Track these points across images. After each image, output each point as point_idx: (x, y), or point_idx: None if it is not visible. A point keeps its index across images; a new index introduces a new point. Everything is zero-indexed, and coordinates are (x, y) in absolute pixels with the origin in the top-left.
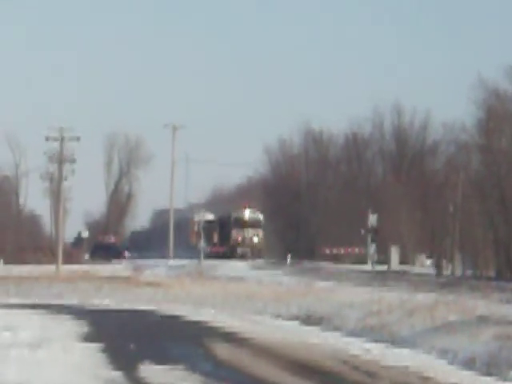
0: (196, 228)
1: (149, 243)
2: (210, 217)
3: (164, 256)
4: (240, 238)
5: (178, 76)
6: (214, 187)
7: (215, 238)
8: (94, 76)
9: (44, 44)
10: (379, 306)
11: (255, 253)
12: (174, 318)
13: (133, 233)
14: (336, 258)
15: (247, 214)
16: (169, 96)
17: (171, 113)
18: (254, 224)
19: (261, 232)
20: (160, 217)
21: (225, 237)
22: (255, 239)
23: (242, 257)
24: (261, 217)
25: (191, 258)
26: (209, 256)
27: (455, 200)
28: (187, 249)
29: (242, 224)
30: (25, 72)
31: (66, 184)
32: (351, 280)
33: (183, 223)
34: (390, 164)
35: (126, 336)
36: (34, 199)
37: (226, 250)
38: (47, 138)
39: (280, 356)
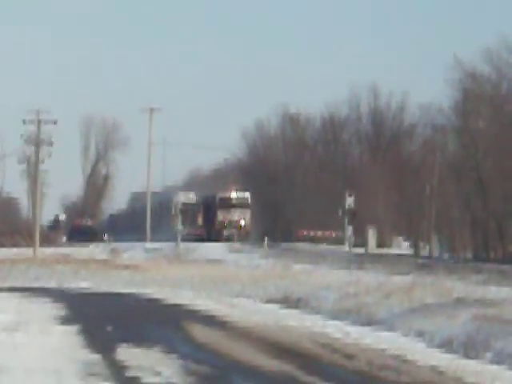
0: (177, 210)
1: (127, 226)
2: (193, 198)
3: (142, 239)
4: (226, 220)
5: (155, 58)
6: (191, 170)
7: (199, 220)
8: (70, 58)
9: (20, 22)
10: (356, 288)
11: (242, 235)
12: (152, 301)
13: (111, 215)
14: (313, 241)
15: (234, 193)
16: (146, 79)
17: (148, 96)
18: (241, 205)
19: (248, 213)
20: (137, 199)
21: (209, 219)
22: (242, 221)
23: (229, 239)
24: (248, 197)
25: (170, 240)
26: (191, 239)
27: (432, 182)
28: (166, 231)
29: (229, 205)
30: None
31: (43, 167)
32: (328, 262)
33: (162, 205)
34: (367, 146)
35: (103, 319)
36: (11, 182)
37: (211, 232)
38: (24, 121)
39: (258, 338)
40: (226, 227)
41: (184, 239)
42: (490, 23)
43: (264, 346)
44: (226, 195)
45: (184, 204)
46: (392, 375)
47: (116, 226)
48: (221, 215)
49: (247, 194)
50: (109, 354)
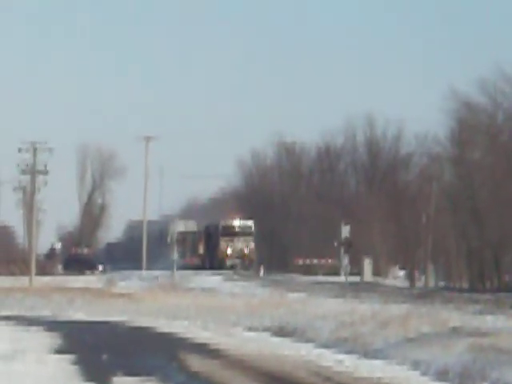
0: (173, 238)
1: (124, 255)
2: (193, 226)
3: (138, 267)
4: (229, 249)
5: (151, 88)
6: (187, 199)
7: (200, 249)
8: (67, 88)
9: (14, 55)
10: (352, 317)
11: (246, 264)
12: (147, 330)
13: (108, 244)
14: (309, 270)
15: (237, 221)
16: (142, 108)
17: (144, 125)
18: (244, 233)
19: (252, 241)
20: (134, 228)
21: (211, 247)
22: (246, 250)
23: (232, 269)
24: (252, 225)
25: (167, 269)
26: (192, 268)
27: (428, 211)
28: (163, 260)
29: (232, 233)
30: None
31: (38, 196)
32: (324, 292)
33: (158, 234)
34: (363, 176)
35: (98, 348)
36: (7, 211)
37: (214, 261)
38: (20, 150)
39: (253, 368)
40: (228, 256)
41: (184, 268)
42: (485, 53)
43: (258, 375)
44: (229, 223)
45: (184, 233)
46: None
47: (112, 255)
48: (224, 244)
49: (251, 222)
50: (104, 383)
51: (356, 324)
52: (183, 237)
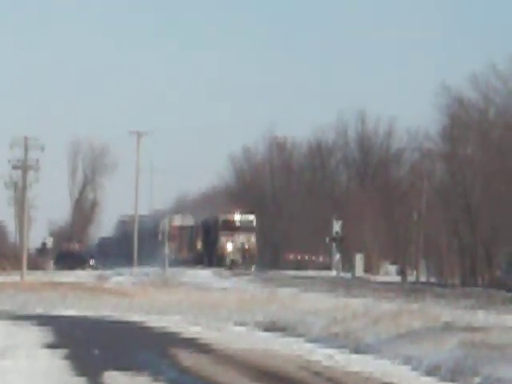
0: (164, 234)
1: (117, 250)
2: (191, 221)
3: (130, 264)
4: (229, 245)
5: (142, 83)
6: (178, 194)
7: (198, 245)
8: (57, 83)
9: (5, 51)
10: (344, 313)
11: (248, 260)
12: (138, 326)
13: (101, 239)
14: (301, 266)
15: (238, 215)
16: (133, 103)
17: (136, 120)
18: (246, 228)
19: (254, 237)
20: (126, 224)
21: (210, 243)
22: (247, 245)
23: (233, 266)
24: (253, 219)
25: (158, 265)
26: (189, 265)
27: (419, 208)
28: (155, 256)
29: (232, 228)
30: None
31: (30, 192)
32: (316, 287)
33: (150, 230)
34: (354, 171)
35: (90, 343)
36: None
37: (212, 257)
38: (11, 146)
39: (244, 363)
40: (228, 252)
41: (181, 265)
42: (477, 49)
43: (249, 371)
44: (229, 217)
45: (181, 227)
46: None
47: (105, 250)
48: (223, 239)
49: (252, 217)
50: (95, 377)
51: (347, 320)
52: (180, 232)
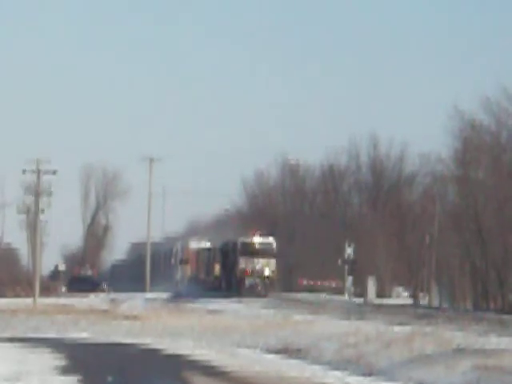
0: (190, 256)
1: (129, 276)
2: (207, 245)
3: (142, 289)
4: (249, 269)
5: (155, 109)
6: (190, 219)
7: (216, 269)
8: (71, 108)
9: (17, 76)
10: (356, 337)
11: (267, 286)
12: (152, 351)
13: (113, 266)
14: (313, 290)
15: (257, 238)
16: (145, 128)
17: (148, 145)
18: (265, 251)
19: (273, 262)
20: (138, 249)
21: (229, 267)
22: (267, 270)
23: (251, 291)
24: (273, 242)
25: (171, 290)
26: (207, 290)
27: (432, 231)
28: (168, 281)
29: (252, 251)
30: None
31: (42, 217)
32: (328, 312)
33: (163, 255)
34: (367, 195)
35: (103, 369)
36: (11, 232)
37: (231, 282)
38: (24, 171)
39: None
40: (248, 276)
41: (199, 290)
42: (489, 71)
43: None
44: (249, 240)
45: (198, 251)
46: None
47: (117, 276)
48: (243, 263)
49: (272, 239)
50: None
51: (360, 344)
52: (196, 255)
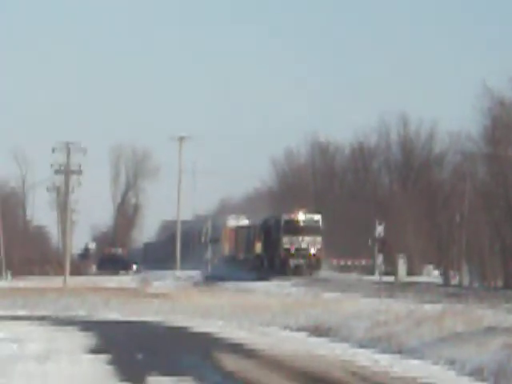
0: (207, 238)
1: (160, 254)
2: (246, 222)
3: (173, 267)
4: (293, 247)
5: (184, 87)
6: (221, 198)
7: (257, 248)
8: (99, 88)
9: (48, 57)
10: (386, 316)
11: (313, 265)
12: (182, 330)
13: (146, 244)
14: (343, 269)
15: (302, 215)
16: (175, 107)
17: (178, 124)
18: (310, 229)
19: (319, 240)
20: (168, 228)
21: (271, 246)
22: (312, 249)
23: (297, 271)
24: (319, 219)
25: (201, 269)
26: (247, 270)
27: (462, 210)
28: (199, 259)
29: (296, 229)
30: (29, 85)
31: (72, 196)
32: (358, 291)
33: (194, 234)
34: (397, 174)
35: (133, 348)
36: (41, 212)
37: (274, 262)
38: (53, 151)
39: (288, 367)
40: (292, 256)
41: (237, 270)
42: None
43: (294, 375)
44: (293, 217)
45: (237, 229)
46: None
47: (149, 255)
48: (287, 241)
49: (318, 217)
50: (138, 382)
51: (390, 323)
52: (235, 233)
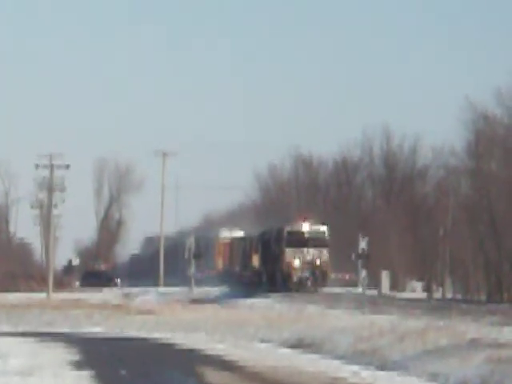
0: (190, 253)
1: (144, 269)
2: (240, 233)
3: (156, 283)
4: (297, 261)
5: (168, 102)
6: (204, 213)
7: (254, 261)
8: (83, 102)
9: (26, 71)
10: (370, 330)
11: (319, 279)
12: (165, 345)
13: (131, 259)
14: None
15: (307, 226)
16: (158, 121)
17: (161, 139)
18: (316, 241)
19: (326, 252)
20: (152, 243)
21: (272, 259)
22: (318, 261)
23: (301, 286)
24: (325, 230)
25: (185, 285)
26: (244, 284)
27: (445, 224)
28: (182, 275)
29: (300, 241)
30: (12, 100)
31: (55, 211)
32: (342, 305)
33: (177, 249)
34: (380, 188)
35: (117, 363)
36: (24, 227)
37: (275, 276)
38: (37, 166)
39: (271, 381)
40: (296, 269)
41: (233, 286)
42: (501, 64)
43: None
44: (297, 228)
45: (231, 241)
46: None
47: (130, 270)
48: (290, 255)
49: (324, 228)
50: None
51: (374, 337)
52: (229, 247)
